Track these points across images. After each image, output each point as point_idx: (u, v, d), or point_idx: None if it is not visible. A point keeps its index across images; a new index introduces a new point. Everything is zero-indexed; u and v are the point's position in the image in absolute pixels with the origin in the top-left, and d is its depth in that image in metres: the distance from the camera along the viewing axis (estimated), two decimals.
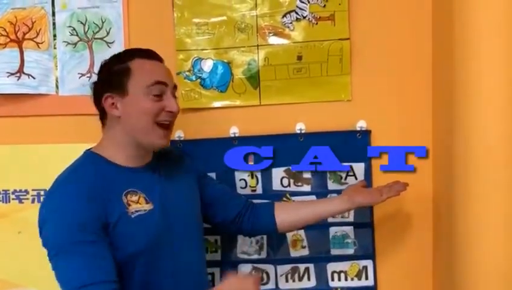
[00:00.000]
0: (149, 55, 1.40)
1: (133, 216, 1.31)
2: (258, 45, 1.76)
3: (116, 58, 1.40)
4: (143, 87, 1.34)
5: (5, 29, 1.79)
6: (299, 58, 1.75)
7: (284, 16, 1.74)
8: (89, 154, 1.40)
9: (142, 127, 1.34)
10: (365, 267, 1.78)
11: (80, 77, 1.79)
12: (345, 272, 1.78)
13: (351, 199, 1.55)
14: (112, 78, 1.37)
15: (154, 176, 1.41)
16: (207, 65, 1.77)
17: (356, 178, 1.75)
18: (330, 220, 1.76)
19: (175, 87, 1.41)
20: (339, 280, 1.78)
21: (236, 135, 1.77)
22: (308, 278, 1.79)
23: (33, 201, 1.80)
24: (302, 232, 1.77)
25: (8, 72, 1.79)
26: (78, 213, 1.25)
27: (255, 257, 1.78)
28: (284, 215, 1.59)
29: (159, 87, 1.35)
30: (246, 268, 1.78)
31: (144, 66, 1.37)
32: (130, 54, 1.40)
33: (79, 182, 1.31)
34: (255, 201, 1.66)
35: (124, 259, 1.29)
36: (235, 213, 1.59)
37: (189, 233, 1.45)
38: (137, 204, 1.33)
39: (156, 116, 1.34)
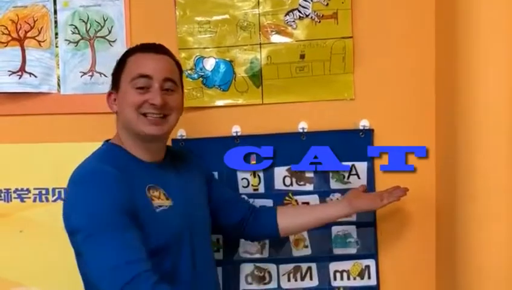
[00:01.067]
0: (148, 48, 1.39)
1: (157, 211, 1.30)
2: (260, 44, 1.75)
3: (122, 55, 1.41)
4: (129, 80, 1.35)
5: (6, 28, 1.78)
6: (302, 56, 1.74)
7: (287, 14, 1.74)
8: (109, 145, 1.39)
9: (129, 118, 1.34)
10: (367, 267, 1.78)
11: (81, 76, 1.78)
12: (348, 272, 1.78)
13: (351, 204, 1.57)
14: (113, 75, 1.41)
15: (171, 173, 1.41)
16: (209, 64, 1.77)
17: (359, 177, 1.75)
18: None
19: (168, 80, 1.36)
20: (341, 279, 1.78)
21: (239, 133, 1.77)
22: (311, 278, 1.78)
23: (35, 200, 1.80)
24: (304, 232, 1.76)
25: (9, 71, 1.78)
26: (109, 196, 1.23)
27: (257, 256, 1.78)
28: (287, 220, 1.59)
29: (143, 80, 1.34)
30: (248, 267, 1.78)
31: (135, 60, 1.37)
32: (134, 49, 1.41)
33: (105, 171, 1.28)
34: (257, 201, 1.66)
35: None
36: (240, 218, 1.59)
37: (205, 230, 1.47)
38: (159, 199, 1.33)
39: (139, 108, 1.33)
